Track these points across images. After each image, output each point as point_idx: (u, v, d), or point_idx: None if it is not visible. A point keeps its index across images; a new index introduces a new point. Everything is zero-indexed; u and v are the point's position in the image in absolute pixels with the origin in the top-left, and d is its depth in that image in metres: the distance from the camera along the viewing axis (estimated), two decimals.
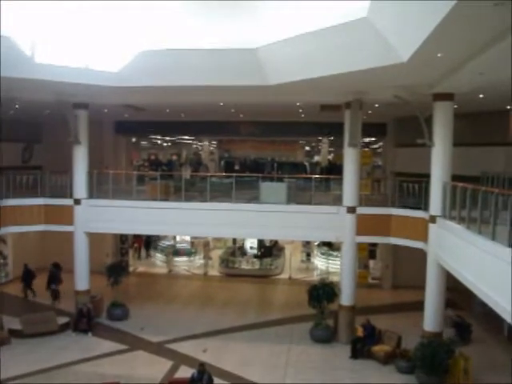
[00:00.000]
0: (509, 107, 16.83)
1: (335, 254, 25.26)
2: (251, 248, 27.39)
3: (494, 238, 9.41)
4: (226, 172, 25.84)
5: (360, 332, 16.16)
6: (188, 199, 18.28)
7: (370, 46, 10.79)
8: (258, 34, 12.59)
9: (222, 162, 31.94)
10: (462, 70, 11.08)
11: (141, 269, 26.87)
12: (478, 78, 11.66)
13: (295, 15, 11.56)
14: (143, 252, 28.98)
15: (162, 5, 12.02)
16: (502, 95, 14.09)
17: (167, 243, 29.05)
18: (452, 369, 13.62)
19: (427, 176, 14.89)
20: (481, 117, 17.90)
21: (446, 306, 15.82)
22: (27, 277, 20.96)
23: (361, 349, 15.67)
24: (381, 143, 26.63)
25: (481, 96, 14.61)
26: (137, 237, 27.49)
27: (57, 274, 20.59)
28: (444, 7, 6.98)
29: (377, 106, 17.64)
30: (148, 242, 29.01)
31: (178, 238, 29.07)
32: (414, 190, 16.17)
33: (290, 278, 25.18)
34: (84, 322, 17.25)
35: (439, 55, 9.91)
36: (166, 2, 11.96)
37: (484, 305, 10.12)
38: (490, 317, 13.02)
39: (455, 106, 14.40)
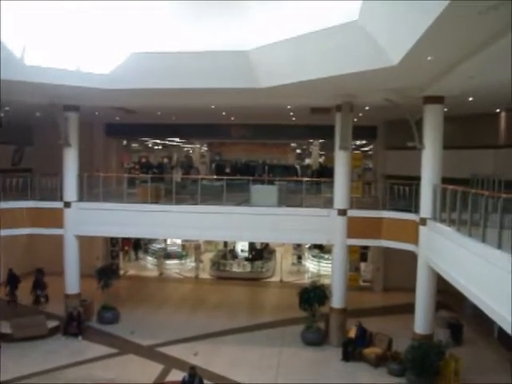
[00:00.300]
0: (498, 110, 16.98)
1: (326, 256, 25.30)
2: (242, 251, 27.36)
3: (484, 240, 9.46)
4: (217, 175, 25.82)
5: (353, 333, 16.14)
6: (179, 202, 18.20)
7: (360, 49, 10.81)
8: (249, 37, 12.59)
9: (213, 165, 32.00)
10: (453, 73, 11.14)
11: (131, 272, 26.72)
12: (468, 81, 11.74)
13: (286, 18, 11.59)
14: (132, 254, 28.84)
15: (153, 6, 12.00)
16: (491, 98, 14.23)
17: (158, 246, 28.92)
18: (443, 370, 13.66)
19: (418, 179, 14.92)
20: (471, 120, 18.01)
21: (438, 308, 15.90)
22: (12, 281, 20.75)
23: (352, 351, 15.66)
24: (371, 146, 26.75)
25: (470, 99, 14.72)
26: (125, 239, 27.35)
27: (41, 279, 20.41)
28: (437, 7, 6.97)
29: (367, 108, 17.70)
30: (137, 245, 28.87)
31: (168, 241, 29.01)
32: (404, 193, 16.19)
33: (281, 281, 25.15)
34: (74, 325, 17.12)
35: (429, 58, 9.97)
36: (157, 3, 11.94)
37: (475, 307, 10.16)
38: (480, 319, 13.10)
39: (445, 109, 14.49)
